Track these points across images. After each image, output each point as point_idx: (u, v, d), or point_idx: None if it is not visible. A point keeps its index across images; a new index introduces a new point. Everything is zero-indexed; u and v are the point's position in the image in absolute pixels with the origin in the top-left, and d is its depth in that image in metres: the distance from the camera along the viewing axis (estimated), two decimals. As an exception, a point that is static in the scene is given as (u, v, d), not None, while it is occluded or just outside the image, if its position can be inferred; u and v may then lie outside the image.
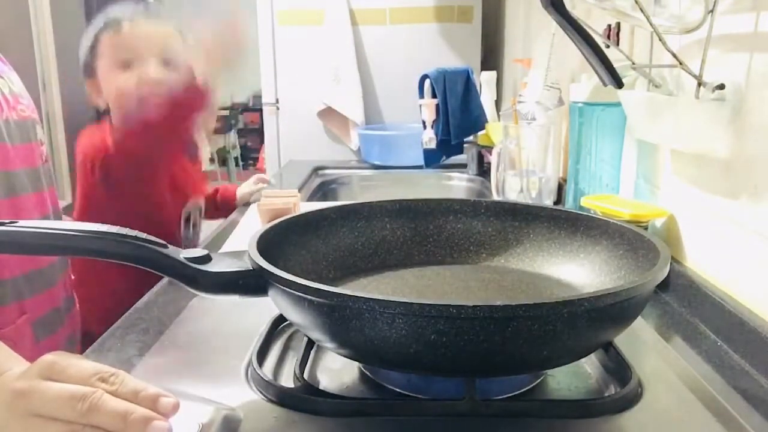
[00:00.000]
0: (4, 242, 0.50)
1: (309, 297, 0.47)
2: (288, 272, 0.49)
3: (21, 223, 0.50)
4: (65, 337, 0.88)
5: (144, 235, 0.52)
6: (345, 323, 0.46)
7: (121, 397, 0.42)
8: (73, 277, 1.04)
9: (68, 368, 0.42)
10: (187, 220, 1.22)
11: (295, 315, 0.51)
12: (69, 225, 0.51)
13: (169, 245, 0.53)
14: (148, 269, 0.53)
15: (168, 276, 0.53)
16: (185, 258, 0.52)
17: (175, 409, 0.42)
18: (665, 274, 0.51)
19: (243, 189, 1.41)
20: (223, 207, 1.39)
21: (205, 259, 0.53)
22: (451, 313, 0.42)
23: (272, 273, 0.49)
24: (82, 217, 1.09)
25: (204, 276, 0.53)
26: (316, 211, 0.70)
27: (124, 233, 0.51)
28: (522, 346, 0.44)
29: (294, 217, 0.67)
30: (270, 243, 0.58)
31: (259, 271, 0.51)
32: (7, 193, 0.77)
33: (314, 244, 0.68)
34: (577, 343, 0.48)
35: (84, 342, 0.97)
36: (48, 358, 0.43)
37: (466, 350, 0.44)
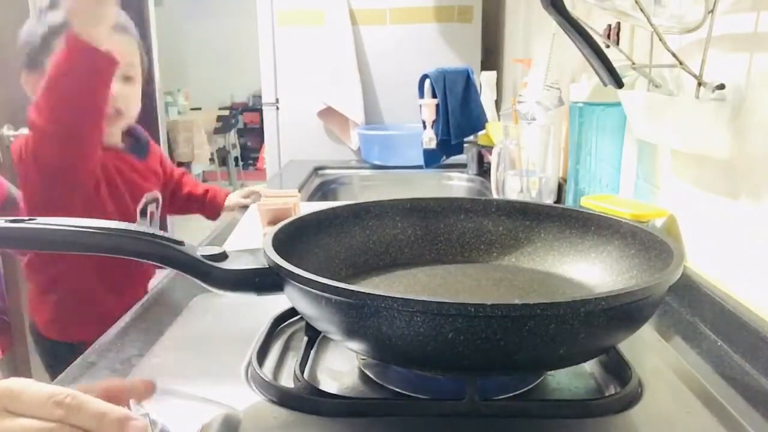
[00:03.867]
0: (21, 239, 0.51)
1: (327, 295, 0.47)
2: (302, 270, 0.49)
3: (39, 220, 0.51)
4: None
5: (160, 233, 0.52)
6: (362, 321, 0.46)
7: (82, 424, 0.39)
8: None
9: (22, 395, 0.39)
10: (143, 212, 1.20)
11: (311, 311, 0.51)
12: (84, 222, 0.51)
13: (185, 242, 0.53)
14: (165, 266, 0.53)
15: (184, 273, 0.53)
16: (201, 255, 0.53)
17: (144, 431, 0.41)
18: (680, 274, 0.51)
19: (233, 198, 1.40)
20: (209, 208, 1.39)
21: (221, 256, 0.54)
22: (469, 312, 0.42)
23: (290, 271, 0.50)
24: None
25: (220, 273, 0.53)
26: (328, 209, 0.70)
27: (141, 230, 0.51)
28: (538, 345, 0.45)
29: (307, 215, 0.67)
30: (283, 241, 0.58)
31: (275, 268, 0.52)
32: None
33: (326, 243, 0.68)
34: (593, 342, 0.48)
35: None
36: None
37: (482, 348, 0.44)
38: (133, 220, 1.16)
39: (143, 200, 1.20)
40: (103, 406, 0.40)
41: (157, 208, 1.26)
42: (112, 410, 0.40)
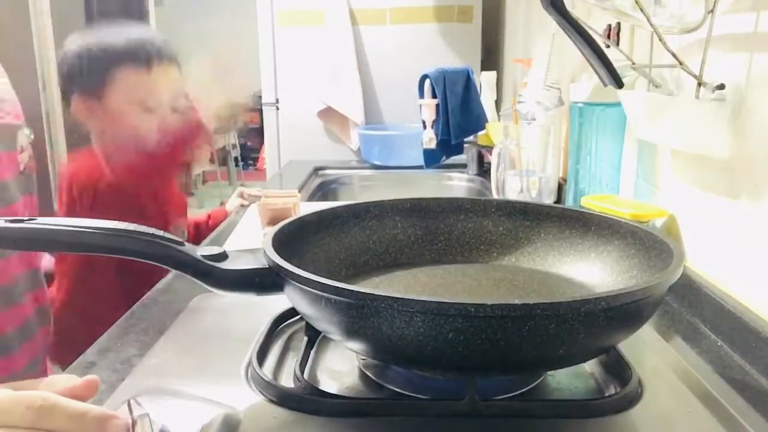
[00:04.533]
0: (21, 239, 0.51)
1: (327, 295, 0.47)
2: (302, 270, 0.49)
3: (39, 220, 0.50)
4: (27, 359, 0.86)
5: (160, 233, 0.52)
6: (362, 321, 0.46)
7: (58, 427, 0.37)
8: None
9: None
10: None
11: (311, 312, 0.51)
12: (84, 222, 0.51)
13: (185, 243, 0.54)
14: (165, 266, 0.53)
15: (184, 273, 0.53)
16: (202, 255, 0.53)
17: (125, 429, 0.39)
18: (680, 274, 0.51)
19: (230, 206, 1.42)
20: (215, 229, 1.41)
21: (222, 256, 0.54)
22: (469, 312, 0.42)
23: (290, 271, 0.50)
24: None
25: (220, 273, 0.53)
26: (329, 209, 0.70)
27: (141, 230, 0.51)
28: (538, 345, 0.45)
29: (307, 215, 0.67)
30: (283, 241, 0.58)
31: (275, 268, 0.52)
32: None
33: (327, 243, 0.68)
34: (593, 342, 0.48)
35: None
36: None
37: (482, 348, 0.44)
38: None
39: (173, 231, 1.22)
40: (79, 406, 0.38)
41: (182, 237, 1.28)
42: (90, 410, 0.38)
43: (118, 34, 1.08)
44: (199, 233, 1.38)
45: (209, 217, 1.42)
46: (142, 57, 1.05)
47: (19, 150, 0.84)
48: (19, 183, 0.84)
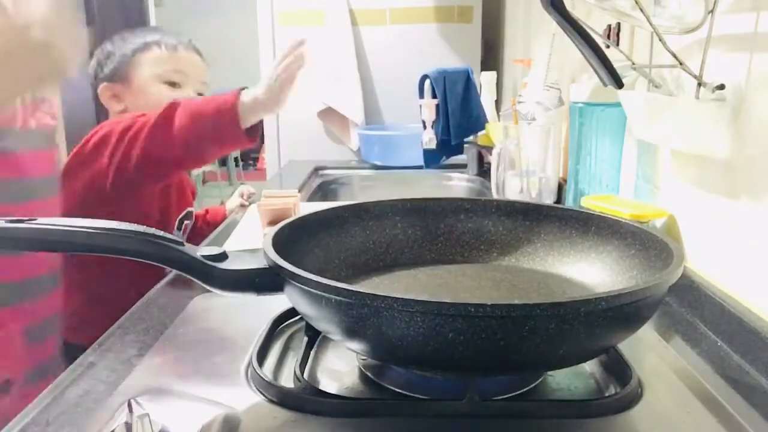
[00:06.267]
0: (23, 239, 0.51)
1: (327, 295, 0.47)
2: (302, 270, 0.49)
3: (39, 220, 0.51)
4: (54, 345, 0.88)
5: (160, 233, 0.52)
6: (362, 321, 0.46)
7: None
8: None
9: None
10: (179, 225, 1.23)
11: (311, 312, 0.51)
12: (84, 222, 0.51)
13: (185, 243, 0.54)
14: (164, 266, 0.53)
15: (184, 273, 0.53)
16: (201, 256, 0.53)
17: None
18: (680, 274, 0.51)
19: (232, 203, 1.43)
20: (212, 226, 1.41)
21: (222, 256, 0.54)
22: (469, 312, 0.42)
23: (290, 271, 0.50)
24: (74, 206, 1.03)
25: (220, 274, 0.53)
26: (328, 209, 0.70)
27: (141, 230, 0.52)
28: (538, 345, 0.45)
29: (307, 215, 0.67)
30: (283, 241, 0.58)
31: (275, 269, 0.52)
32: (25, 198, 0.79)
33: (326, 243, 0.68)
34: (593, 342, 0.48)
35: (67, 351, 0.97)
36: None
37: (482, 348, 0.44)
38: (170, 230, 1.20)
39: (183, 213, 1.23)
40: None
41: (190, 221, 1.31)
42: None
43: (149, 30, 1.22)
44: (194, 227, 1.39)
45: (207, 211, 1.43)
46: (168, 42, 1.17)
47: (56, 149, 0.87)
48: (56, 181, 0.87)
